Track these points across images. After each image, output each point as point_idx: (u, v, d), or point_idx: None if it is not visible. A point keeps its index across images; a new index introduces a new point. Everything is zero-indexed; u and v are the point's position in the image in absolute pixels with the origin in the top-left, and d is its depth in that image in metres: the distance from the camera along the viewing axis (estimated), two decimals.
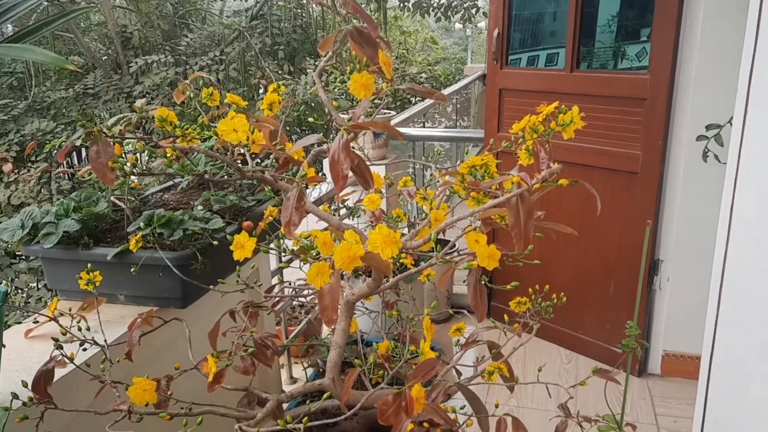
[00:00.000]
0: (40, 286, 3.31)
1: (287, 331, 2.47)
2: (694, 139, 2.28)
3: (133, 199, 1.56)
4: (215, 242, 1.29)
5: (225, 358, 1.07)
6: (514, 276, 1.15)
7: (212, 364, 1.02)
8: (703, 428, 1.17)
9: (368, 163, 1.06)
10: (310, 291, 1.43)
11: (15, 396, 0.90)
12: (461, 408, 1.16)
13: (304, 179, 0.94)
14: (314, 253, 0.91)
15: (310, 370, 2.40)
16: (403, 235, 1.17)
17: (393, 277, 1.21)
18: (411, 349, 1.06)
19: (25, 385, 0.93)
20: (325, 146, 1.04)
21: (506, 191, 0.97)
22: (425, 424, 1.04)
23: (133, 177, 0.89)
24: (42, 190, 4.25)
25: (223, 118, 0.92)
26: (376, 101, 1.04)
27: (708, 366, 1.13)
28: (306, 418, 0.94)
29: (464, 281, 1.07)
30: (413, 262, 1.75)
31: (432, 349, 1.11)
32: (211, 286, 1.23)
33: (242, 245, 0.96)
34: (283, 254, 1.01)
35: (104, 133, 0.83)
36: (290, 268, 2.40)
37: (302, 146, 1.00)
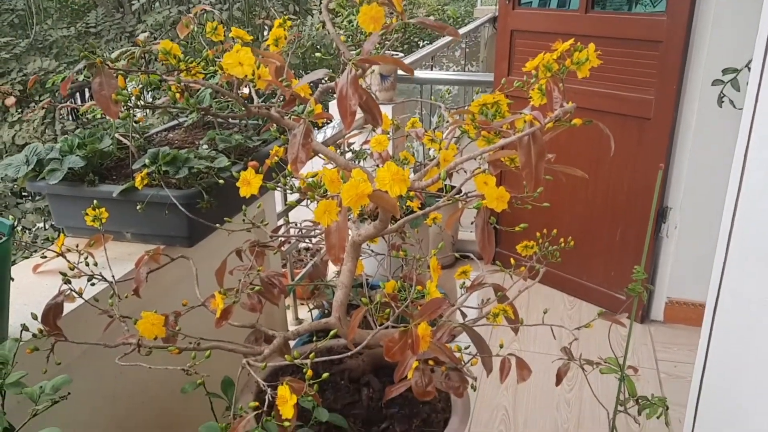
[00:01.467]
0: (47, 226, 3.33)
1: (293, 273, 2.49)
2: (710, 84, 2.23)
3: (137, 137, 1.55)
4: (221, 181, 1.28)
5: (232, 295, 1.08)
6: (522, 220, 1.15)
7: (219, 301, 1.03)
8: (704, 372, 1.18)
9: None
10: (317, 232, 1.43)
11: (25, 327, 0.91)
12: (466, 348, 1.17)
13: (311, 115, 0.93)
14: (321, 191, 0.90)
15: (315, 312, 2.45)
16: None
17: (400, 218, 1.21)
18: (417, 289, 1.06)
19: (34, 317, 0.94)
20: (332, 83, 1.02)
21: (518, 131, 0.95)
22: (430, 362, 1.06)
23: (137, 112, 0.87)
24: (46, 130, 4.23)
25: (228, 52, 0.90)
26: (385, 40, 1.01)
27: (713, 311, 1.13)
28: (312, 354, 0.95)
29: (472, 221, 1.07)
30: (419, 206, 1.76)
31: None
32: (217, 225, 1.23)
33: (249, 182, 0.95)
34: (289, 193, 1.01)
35: (107, 65, 0.80)
36: (296, 211, 2.41)
37: (309, 82, 0.97)
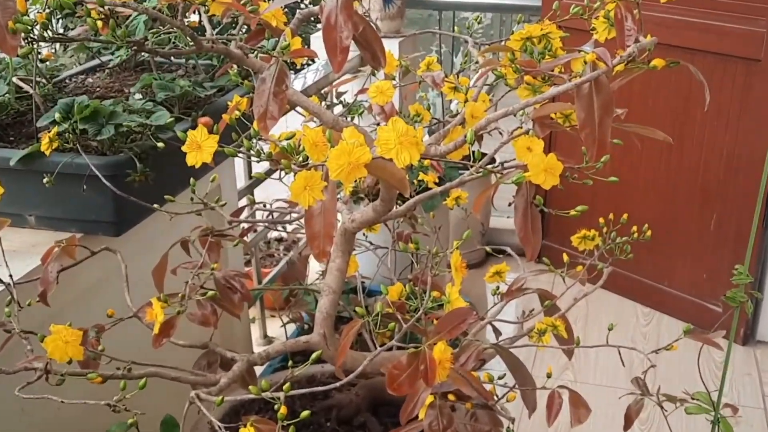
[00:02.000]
0: None
1: (260, 274, 2.50)
2: None
3: (44, 82, 1.55)
4: (160, 144, 1.28)
5: (176, 303, 1.09)
6: (580, 201, 1.15)
7: (158, 311, 1.04)
8: None
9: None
10: (294, 216, 1.43)
11: None
12: (500, 378, 1.19)
13: (287, 53, 0.93)
14: (300, 159, 0.90)
15: (291, 327, 2.47)
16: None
17: (410, 197, 1.21)
18: (433, 296, 1.07)
19: None
20: (316, 7, 1.02)
21: (575, 76, 0.95)
22: (450, 397, 1.07)
23: (43, 46, 0.87)
24: None
25: None
26: None
27: None
28: (287, 385, 0.96)
29: (510, 203, 1.07)
30: (436, 182, 1.76)
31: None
32: (155, 206, 1.24)
33: (199, 145, 0.95)
34: (255, 161, 1.01)
35: None
36: (264, 187, 2.42)
37: (283, 5, 0.97)
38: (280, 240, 3.06)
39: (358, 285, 1.74)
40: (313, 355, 1.01)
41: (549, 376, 1.21)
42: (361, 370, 1.02)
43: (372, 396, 1.49)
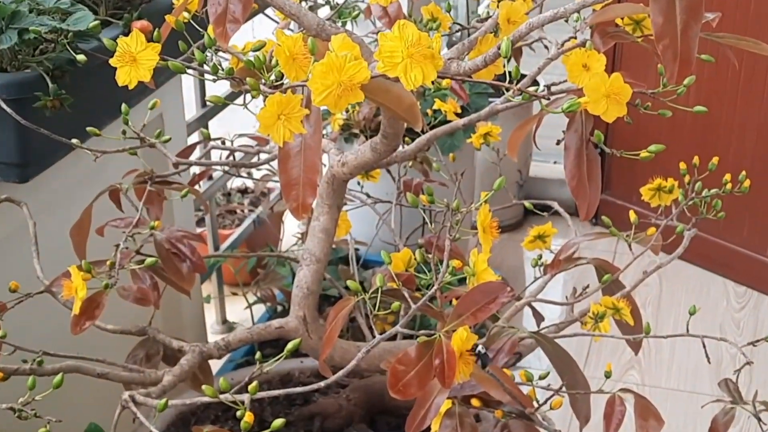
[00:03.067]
0: None
1: (218, 237, 2.51)
2: None
3: None
4: (80, 57, 1.27)
5: (103, 273, 1.09)
6: (651, 140, 1.15)
7: (79, 284, 1.04)
8: None
9: None
10: (264, 156, 1.44)
11: None
12: (541, 378, 1.19)
13: None
14: (272, 78, 0.89)
15: (259, 310, 2.48)
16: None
17: (422, 132, 1.20)
18: (452, 266, 1.07)
19: None
20: None
21: None
22: (474, 402, 1.10)
23: None
24: None
25: None
26: None
27: None
28: (254, 385, 0.97)
29: (558, 140, 1.07)
30: (458, 113, 1.75)
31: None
32: (74, 141, 1.23)
33: (133, 58, 0.95)
34: (211, 81, 1.00)
35: None
36: (223, 118, 2.40)
37: None
38: (244, 191, 3.06)
39: (350, 252, 1.75)
40: (289, 345, 1.01)
41: (608, 375, 1.21)
42: (353, 365, 1.02)
43: (368, 401, 1.51)
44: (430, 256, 1.15)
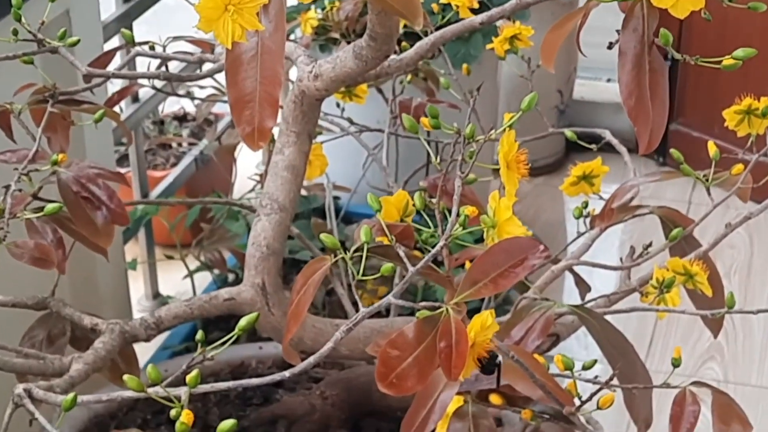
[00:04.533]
0: None
1: (147, 180, 2.50)
2: None
3: None
4: None
5: None
6: (737, 44, 1.15)
7: None
8: None
9: None
10: (210, 68, 1.44)
11: None
12: (586, 368, 1.19)
13: None
14: None
15: (203, 279, 2.47)
16: None
17: (425, 34, 1.20)
18: (464, 214, 1.08)
19: None
20: None
21: None
22: (494, 399, 1.12)
23: None
24: None
25: None
26: None
27: None
28: (194, 375, 0.98)
29: (609, 43, 1.08)
30: (475, 8, 1.74)
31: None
32: None
33: None
34: None
35: None
36: (156, 14, 2.38)
37: None
38: (182, 118, 3.07)
39: (327, 201, 1.75)
40: (242, 322, 1.02)
41: (677, 364, 1.21)
42: (328, 349, 1.03)
43: (350, 400, 1.52)
44: (434, 201, 1.15)
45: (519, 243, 1.02)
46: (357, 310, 1.03)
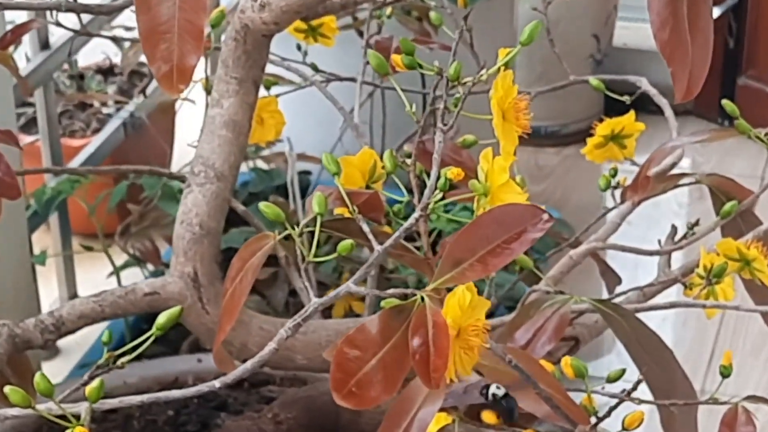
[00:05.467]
0: None
1: (60, 150, 2.49)
2: None
3: None
4: None
5: None
6: None
7: None
8: None
9: None
10: None
11: None
12: (612, 380, 1.22)
13: None
14: None
15: (134, 276, 2.46)
16: None
17: None
18: (447, 176, 1.06)
19: None
20: None
21: None
22: (488, 417, 1.12)
23: None
24: None
25: None
26: None
27: None
28: (96, 386, 0.97)
29: None
30: None
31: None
32: None
33: None
34: None
35: None
36: None
37: None
38: (107, 71, 3.08)
39: (290, 173, 1.75)
40: (160, 318, 1.03)
41: (726, 373, 1.21)
42: (269, 353, 1.02)
43: (312, 423, 1.51)
44: (409, 164, 1.14)
45: (514, 211, 1.01)
46: (309, 300, 1.02)
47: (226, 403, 1.50)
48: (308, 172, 2.42)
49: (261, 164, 2.71)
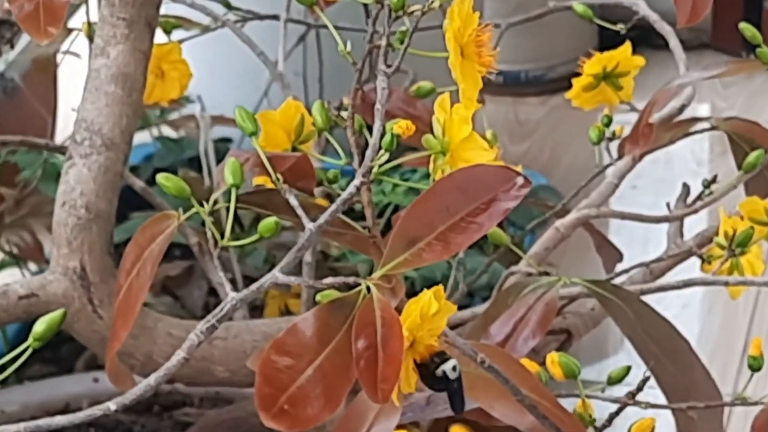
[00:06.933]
0: None
1: None
2: None
3: None
4: None
5: None
6: None
7: None
8: None
9: None
10: None
11: None
12: (613, 380, 1.21)
13: None
14: None
15: (9, 276, 2.45)
16: None
17: None
18: (392, 131, 1.06)
19: None
20: None
21: None
22: None
23: None
24: None
25: None
26: None
27: None
28: None
29: None
30: None
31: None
32: None
33: None
34: None
35: None
36: None
37: None
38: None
39: (202, 140, 1.75)
40: (37, 327, 1.07)
41: (755, 367, 1.22)
42: (176, 364, 1.02)
43: None
44: (346, 116, 1.13)
45: (480, 174, 1.00)
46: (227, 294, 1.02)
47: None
48: (228, 140, 2.41)
49: (168, 132, 2.72)
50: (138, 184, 1.46)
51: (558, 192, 2.61)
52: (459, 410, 1.03)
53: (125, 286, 1.08)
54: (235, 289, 1.15)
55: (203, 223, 1.07)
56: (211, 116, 1.92)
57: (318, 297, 1.00)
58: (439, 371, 0.97)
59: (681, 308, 2.41)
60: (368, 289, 0.97)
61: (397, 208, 1.94)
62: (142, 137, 2.69)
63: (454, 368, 0.99)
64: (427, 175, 1.08)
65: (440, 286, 0.95)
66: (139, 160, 2.80)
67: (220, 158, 1.96)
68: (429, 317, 0.95)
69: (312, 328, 0.97)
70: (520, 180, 0.99)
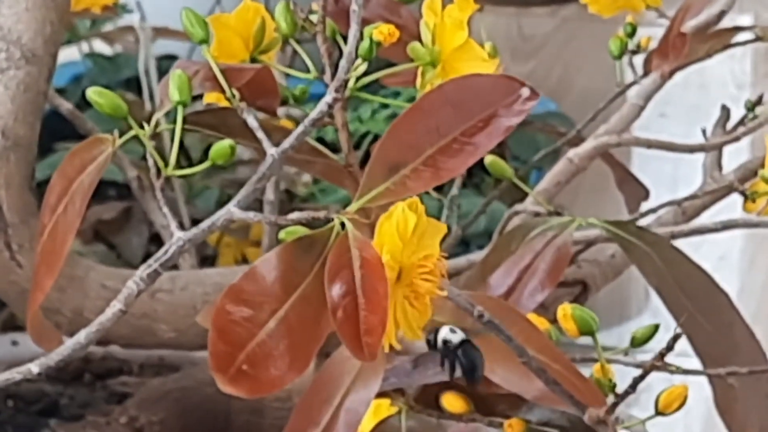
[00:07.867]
0: None
1: None
2: None
3: None
4: None
5: None
6: None
7: None
8: None
9: None
10: None
11: None
12: (637, 341, 1.22)
13: None
14: None
15: None
16: None
17: None
18: (373, 37, 1.05)
19: None
20: None
21: None
22: (452, 401, 1.12)
23: None
24: None
25: None
26: None
27: None
28: None
29: None
30: None
31: None
32: None
33: None
34: None
35: None
36: None
37: None
38: None
39: (142, 56, 1.76)
40: None
41: None
42: (112, 317, 1.01)
43: (189, 426, 1.51)
44: (314, 19, 1.13)
45: (477, 84, 0.99)
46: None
47: (58, 405, 1.48)
48: (173, 57, 2.41)
49: (101, 47, 2.72)
50: (65, 105, 1.45)
51: (570, 119, 2.61)
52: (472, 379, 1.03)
53: (49, 225, 1.06)
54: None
55: (144, 157, 1.07)
56: (152, 28, 1.92)
57: (281, 234, 0.99)
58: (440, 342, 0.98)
59: (718, 260, 2.42)
60: (342, 225, 0.96)
61: (376, 138, 1.94)
62: (69, 54, 2.69)
63: (452, 331, 0.99)
64: (414, 98, 1.07)
65: (415, 198, 0.95)
66: (66, 82, 2.80)
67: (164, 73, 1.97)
68: (410, 238, 0.94)
69: (275, 271, 0.97)
70: (525, 92, 0.98)
